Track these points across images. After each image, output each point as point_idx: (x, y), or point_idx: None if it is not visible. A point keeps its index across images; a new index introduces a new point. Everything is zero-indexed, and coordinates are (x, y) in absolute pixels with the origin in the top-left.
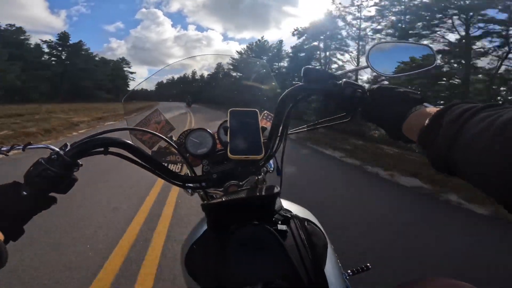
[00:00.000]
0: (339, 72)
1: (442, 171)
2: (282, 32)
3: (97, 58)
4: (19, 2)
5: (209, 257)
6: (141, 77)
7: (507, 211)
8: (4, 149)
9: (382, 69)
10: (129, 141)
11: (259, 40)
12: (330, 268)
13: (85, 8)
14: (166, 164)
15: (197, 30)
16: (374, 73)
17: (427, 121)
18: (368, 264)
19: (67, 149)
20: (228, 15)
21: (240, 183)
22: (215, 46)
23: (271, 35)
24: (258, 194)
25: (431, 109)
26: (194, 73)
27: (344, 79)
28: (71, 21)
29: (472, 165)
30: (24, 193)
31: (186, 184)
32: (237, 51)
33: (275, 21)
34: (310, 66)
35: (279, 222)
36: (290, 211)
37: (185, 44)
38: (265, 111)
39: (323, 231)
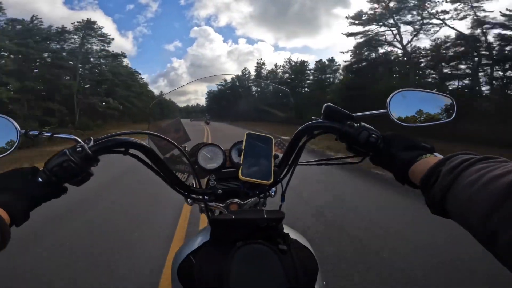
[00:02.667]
0: (358, 114)
1: (438, 214)
2: (333, 35)
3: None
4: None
5: (209, 268)
6: (202, 95)
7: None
8: (31, 133)
9: (401, 116)
10: (148, 145)
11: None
12: None
13: (146, 29)
14: (174, 172)
15: (248, 43)
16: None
17: (428, 168)
18: None
19: (90, 144)
20: (276, 24)
21: (242, 202)
22: (266, 57)
23: (322, 41)
24: (266, 216)
25: (437, 158)
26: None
27: (362, 122)
28: (138, 42)
29: (459, 214)
30: (40, 179)
31: (190, 195)
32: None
33: (326, 25)
34: (331, 104)
35: (281, 243)
36: (289, 236)
37: (238, 58)
38: (279, 139)
39: (316, 258)
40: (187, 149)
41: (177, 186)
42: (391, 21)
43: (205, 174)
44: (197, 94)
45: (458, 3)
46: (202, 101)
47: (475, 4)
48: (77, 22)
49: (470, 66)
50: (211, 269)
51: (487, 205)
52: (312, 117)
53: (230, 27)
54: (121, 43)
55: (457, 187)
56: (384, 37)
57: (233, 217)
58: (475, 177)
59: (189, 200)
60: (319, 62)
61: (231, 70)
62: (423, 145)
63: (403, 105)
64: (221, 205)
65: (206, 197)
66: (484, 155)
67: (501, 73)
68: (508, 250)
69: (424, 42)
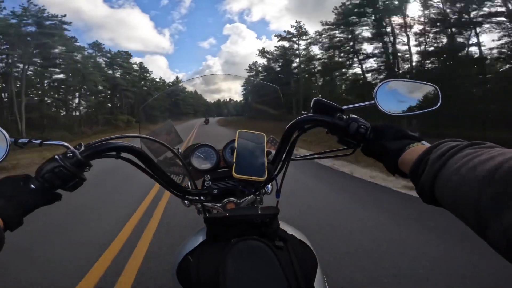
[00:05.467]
0: (348, 106)
1: (430, 203)
2: None
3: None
4: (130, 24)
5: (206, 267)
6: (236, 92)
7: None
8: (21, 141)
9: (388, 106)
10: (140, 149)
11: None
12: (318, 286)
13: (181, 25)
14: (169, 174)
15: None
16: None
17: (416, 157)
18: None
19: (82, 149)
20: (314, 16)
21: (238, 201)
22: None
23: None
24: (260, 212)
25: (425, 146)
26: (209, 91)
27: (351, 114)
28: (174, 39)
29: (448, 200)
30: (33, 186)
31: (186, 196)
32: (250, 76)
33: None
34: (320, 98)
35: (277, 239)
36: (286, 231)
37: (271, 54)
38: (271, 136)
39: (315, 253)
40: (180, 150)
41: (173, 188)
42: None
43: (200, 175)
44: (230, 92)
45: None
46: (235, 97)
47: None
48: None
49: None
50: (208, 267)
51: (474, 190)
52: (302, 111)
53: (264, 21)
54: (159, 41)
55: (444, 174)
56: None
57: (227, 214)
58: (462, 163)
59: (186, 202)
60: None
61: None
62: (411, 134)
63: (389, 96)
64: (218, 205)
65: (202, 197)
66: (471, 142)
67: None
68: (500, 237)
69: None
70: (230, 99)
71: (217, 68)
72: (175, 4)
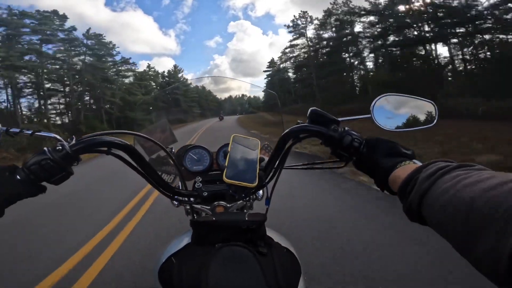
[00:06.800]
0: (344, 118)
1: (415, 221)
2: None
3: None
4: (134, 27)
5: (189, 270)
6: (245, 90)
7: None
8: (13, 130)
9: (384, 121)
10: (132, 146)
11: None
12: None
13: (185, 25)
14: (160, 173)
15: (290, 33)
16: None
17: (405, 176)
18: None
19: (72, 142)
20: (322, 6)
21: (228, 205)
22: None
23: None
24: (247, 219)
25: (416, 165)
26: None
27: (346, 127)
28: (180, 40)
29: (434, 220)
30: (18, 177)
31: (176, 196)
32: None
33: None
34: (317, 108)
35: (262, 246)
36: (272, 239)
37: (280, 49)
38: (266, 143)
39: (299, 262)
40: (173, 150)
41: (162, 188)
42: None
43: (192, 176)
44: (240, 90)
45: None
46: (247, 94)
47: None
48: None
49: None
50: (191, 270)
51: (462, 211)
52: (298, 121)
53: (269, 16)
54: (165, 42)
55: (432, 194)
56: None
57: (214, 218)
58: (450, 184)
59: (175, 202)
60: None
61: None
62: (403, 151)
63: (386, 110)
64: (207, 207)
65: (192, 199)
66: (460, 163)
67: None
68: (483, 258)
69: None
70: (242, 95)
71: (225, 67)
72: (177, 4)
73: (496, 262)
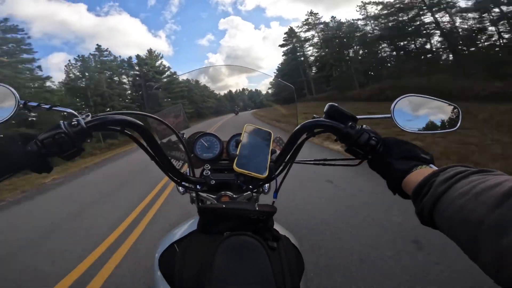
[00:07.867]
0: (362, 116)
1: (427, 225)
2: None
3: None
4: (122, 30)
5: (192, 259)
6: (243, 85)
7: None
8: (31, 104)
9: (404, 122)
10: (145, 126)
11: None
12: None
13: (175, 25)
14: (169, 158)
15: (282, 25)
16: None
17: (421, 178)
18: None
19: (88, 119)
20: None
21: (234, 195)
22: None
23: (369, 8)
24: (258, 209)
25: (432, 169)
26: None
27: (364, 125)
28: (171, 41)
29: (446, 223)
30: (29, 148)
31: (183, 182)
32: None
33: None
34: (335, 104)
35: (270, 239)
36: (278, 232)
37: (274, 43)
38: (278, 136)
39: (303, 258)
40: (185, 136)
41: (170, 172)
42: None
43: (201, 163)
44: (238, 86)
45: None
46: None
47: None
48: None
49: None
50: (194, 259)
51: (476, 216)
52: (314, 115)
53: (259, 9)
54: (156, 43)
55: (448, 198)
56: None
57: (224, 206)
58: (467, 188)
59: (181, 189)
60: None
61: (269, 56)
62: (421, 155)
63: (408, 111)
64: (213, 196)
65: (198, 186)
66: (480, 168)
67: None
68: (496, 264)
69: None
70: (243, 89)
71: (221, 64)
72: (163, 4)
73: (502, 272)
